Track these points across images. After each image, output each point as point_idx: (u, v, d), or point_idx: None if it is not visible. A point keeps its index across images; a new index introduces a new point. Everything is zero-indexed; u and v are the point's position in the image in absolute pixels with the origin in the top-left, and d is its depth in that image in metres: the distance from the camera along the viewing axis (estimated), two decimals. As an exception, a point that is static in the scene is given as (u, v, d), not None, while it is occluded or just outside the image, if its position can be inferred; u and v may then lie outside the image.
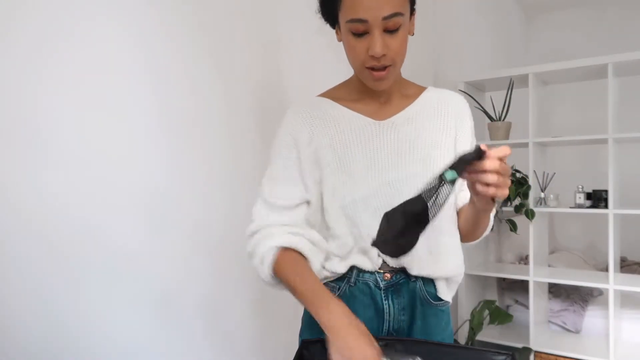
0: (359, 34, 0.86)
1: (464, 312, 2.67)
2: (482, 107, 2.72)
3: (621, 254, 3.04)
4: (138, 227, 1.24)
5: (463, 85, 2.69)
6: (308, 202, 0.98)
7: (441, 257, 0.96)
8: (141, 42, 1.24)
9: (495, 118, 2.69)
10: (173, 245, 1.33)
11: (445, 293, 1.00)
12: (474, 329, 2.47)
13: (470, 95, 2.69)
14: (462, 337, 2.59)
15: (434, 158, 0.96)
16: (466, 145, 1.00)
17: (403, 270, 0.95)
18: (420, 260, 0.94)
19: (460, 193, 1.03)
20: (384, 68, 0.88)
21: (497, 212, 2.50)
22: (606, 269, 2.60)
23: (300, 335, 1.05)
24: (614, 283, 2.29)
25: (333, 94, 1.03)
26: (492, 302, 2.58)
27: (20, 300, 1.02)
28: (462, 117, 1.01)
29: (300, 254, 0.92)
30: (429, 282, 0.98)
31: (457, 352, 0.85)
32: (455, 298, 2.75)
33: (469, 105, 1.04)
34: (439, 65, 2.87)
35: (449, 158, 0.94)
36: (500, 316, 2.55)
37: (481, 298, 2.82)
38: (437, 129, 0.98)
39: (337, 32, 0.96)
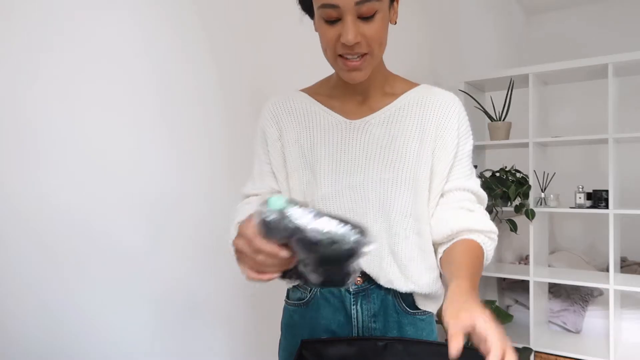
0: (331, 21, 0.79)
1: (464, 312, 2.67)
2: (482, 107, 2.72)
3: (621, 254, 3.05)
4: (139, 229, 1.24)
5: (463, 85, 2.69)
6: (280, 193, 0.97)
7: (412, 271, 0.89)
8: (145, 43, 1.24)
9: (495, 118, 2.69)
10: (174, 246, 1.33)
11: (425, 304, 0.93)
12: (474, 329, 2.47)
13: (470, 95, 2.69)
14: (462, 337, 2.59)
15: (407, 164, 0.87)
16: (446, 151, 0.89)
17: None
18: (389, 272, 0.88)
19: (454, 211, 0.89)
20: (359, 57, 0.81)
21: (497, 212, 2.50)
22: (606, 269, 2.60)
23: (280, 341, 1.02)
24: (614, 283, 2.28)
25: (313, 89, 0.98)
26: (492, 302, 2.58)
27: (20, 302, 1.02)
28: (445, 120, 0.89)
29: None
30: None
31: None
32: (456, 298, 2.74)
33: (461, 107, 0.92)
34: (439, 65, 2.87)
35: (424, 166, 0.87)
36: (501, 316, 2.54)
37: (481, 298, 2.82)
38: (415, 132, 0.89)
39: (314, 22, 0.88)
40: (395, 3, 0.86)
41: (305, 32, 1.72)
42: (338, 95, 0.94)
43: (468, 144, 0.92)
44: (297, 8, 0.89)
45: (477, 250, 0.85)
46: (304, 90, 0.99)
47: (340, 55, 0.82)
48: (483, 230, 0.87)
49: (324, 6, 0.78)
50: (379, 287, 0.90)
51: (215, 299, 1.45)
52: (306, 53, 1.75)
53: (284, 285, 1.13)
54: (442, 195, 0.91)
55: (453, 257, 0.84)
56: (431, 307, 0.94)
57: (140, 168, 1.25)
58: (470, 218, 0.88)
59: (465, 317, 0.63)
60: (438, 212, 0.90)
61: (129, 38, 1.21)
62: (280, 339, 1.03)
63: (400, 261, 0.88)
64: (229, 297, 1.50)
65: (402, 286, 0.88)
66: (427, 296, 0.92)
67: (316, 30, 0.87)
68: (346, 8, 0.77)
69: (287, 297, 1.00)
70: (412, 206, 0.88)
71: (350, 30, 0.78)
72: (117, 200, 1.19)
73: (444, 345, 0.85)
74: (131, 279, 1.22)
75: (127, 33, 1.21)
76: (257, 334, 1.60)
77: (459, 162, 0.91)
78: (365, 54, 0.82)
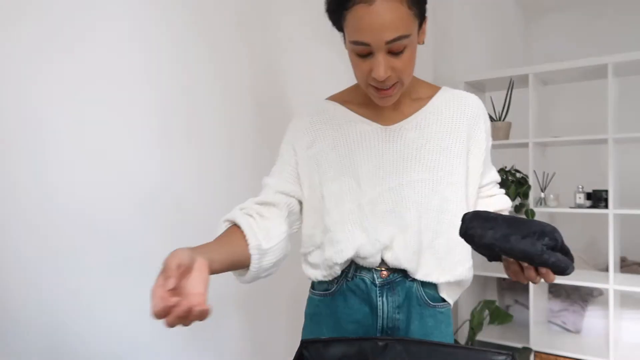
0: (362, 55, 0.84)
1: (464, 312, 2.67)
2: (482, 107, 2.72)
3: (621, 254, 3.04)
4: (143, 226, 1.24)
5: (463, 85, 2.69)
6: (300, 202, 1.00)
7: (448, 263, 0.94)
8: (142, 43, 1.24)
9: (495, 118, 2.69)
10: (179, 244, 1.33)
11: (447, 295, 0.98)
12: (474, 329, 2.47)
13: (470, 95, 2.69)
14: (462, 337, 2.59)
15: (442, 164, 0.94)
16: (479, 148, 0.97)
17: (402, 269, 0.94)
18: (427, 266, 0.93)
19: (484, 200, 1.02)
20: (390, 86, 0.87)
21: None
22: (606, 269, 2.60)
23: (304, 329, 1.05)
24: (614, 283, 2.28)
25: (342, 97, 1.03)
26: (492, 302, 2.58)
27: (22, 298, 1.02)
28: (475, 121, 0.97)
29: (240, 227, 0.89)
30: (429, 283, 0.96)
31: (457, 352, 0.85)
32: (455, 298, 2.75)
33: (484, 107, 1.01)
34: (439, 65, 2.87)
35: (459, 163, 0.94)
36: (500, 316, 2.55)
37: (481, 298, 2.82)
38: (446, 134, 0.95)
39: (344, 41, 0.92)
40: (424, 24, 0.89)
41: (306, 31, 1.73)
42: (369, 103, 0.98)
43: (490, 140, 1.02)
44: (318, 20, 0.93)
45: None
46: (331, 98, 1.04)
47: (371, 84, 0.87)
48: (503, 209, 1.03)
49: (355, 43, 0.82)
50: (404, 280, 0.95)
51: (217, 296, 1.45)
52: (307, 52, 1.75)
53: (285, 284, 1.13)
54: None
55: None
56: (452, 298, 0.99)
57: (145, 166, 1.25)
58: (496, 201, 1.03)
59: None
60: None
61: (128, 39, 1.21)
62: (303, 328, 1.06)
63: (437, 255, 0.94)
64: (231, 293, 1.50)
65: (439, 278, 0.94)
66: (453, 286, 0.98)
67: (346, 48, 0.90)
68: (377, 46, 0.81)
69: (313, 287, 1.04)
70: (448, 203, 0.94)
71: (382, 67, 0.82)
72: (121, 198, 1.19)
73: (444, 346, 0.85)
74: (135, 276, 1.22)
75: (126, 34, 1.21)
76: (261, 330, 1.60)
77: (487, 157, 1.00)
78: (396, 82, 0.86)
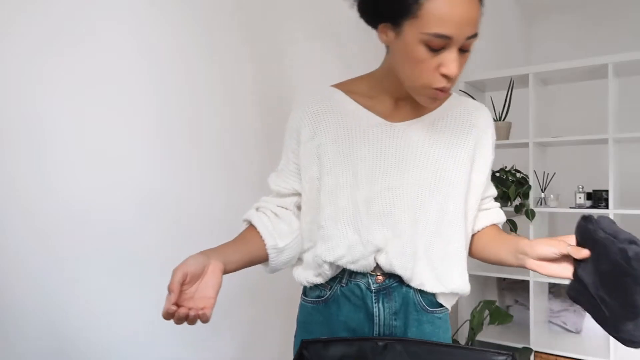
0: (434, 50, 0.76)
1: (464, 312, 2.67)
2: (482, 107, 2.72)
3: (621, 254, 3.03)
4: (139, 226, 1.24)
5: (463, 85, 2.69)
6: (300, 195, 0.99)
7: (443, 274, 0.90)
8: (143, 44, 1.25)
9: (495, 118, 2.69)
10: (173, 241, 1.33)
11: (444, 301, 0.95)
12: (474, 329, 2.47)
13: (470, 95, 2.68)
14: (462, 337, 2.59)
15: (446, 170, 0.89)
16: (485, 162, 0.96)
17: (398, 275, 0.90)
18: (421, 275, 0.89)
19: (481, 213, 0.99)
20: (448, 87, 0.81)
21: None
22: (606, 269, 2.58)
23: (295, 337, 1.02)
24: (614, 283, 2.28)
25: (349, 87, 0.97)
26: (492, 302, 2.58)
27: (22, 299, 1.02)
28: (484, 133, 0.95)
29: (256, 227, 0.94)
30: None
31: (457, 352, 0.85)
32: (455, 298, 2.75)
33: (492, 120, 0.99)
34: (439, 65, 2.86)
35: (462, 173, 0.91)
36: (500, 316, 2.55)
37: (481, 298, 2.82)
38: (454, 141, 0.91)
39: (382, 33, 0.82)
40: None
41: (307, 32, 1.72)
42: (376, 96, 0.94)
43: (494, 155, 1.00)
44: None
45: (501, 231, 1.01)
46: (337, 87, 0.98)
47: (433, 87, 0.81)
48: (498, 222, 1.01)
49: (435, 35, 0.75)
50: (400, 285, 0.91)
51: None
52: (308, 53, 1.75)
53: (283, 283, 1.13)
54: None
55: (498, 234, 0.98)
56: (449, 303, 0.96)
57: (145, 166, 1.25)
58: (491, 215, 1.00)
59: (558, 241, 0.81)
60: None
61: (130, 41, 1.21)
62: (295, 335, 1.03)
63: (433, 264, 0.89)
64: (230, 292, 1.50)
65: (433, 288, 0.90)
66: (448, 294, 0.94)
67: (385, 42, 0.84)
68: (457, 40, 0.76)
69: (304, 294, 1.00)
70: (446, 212, 0.89)
71: (456, 63, 0.77)
72: (121, 198, 1.19)
73: (443, 346, 0.85)
74: (135, 275, 1.22)
75: (128, 35, 1.21)
76: (257, 330, 1.60)
77: (489, 172, 0.98)
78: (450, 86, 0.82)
